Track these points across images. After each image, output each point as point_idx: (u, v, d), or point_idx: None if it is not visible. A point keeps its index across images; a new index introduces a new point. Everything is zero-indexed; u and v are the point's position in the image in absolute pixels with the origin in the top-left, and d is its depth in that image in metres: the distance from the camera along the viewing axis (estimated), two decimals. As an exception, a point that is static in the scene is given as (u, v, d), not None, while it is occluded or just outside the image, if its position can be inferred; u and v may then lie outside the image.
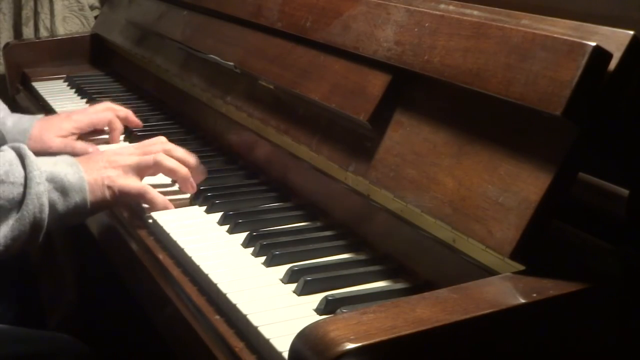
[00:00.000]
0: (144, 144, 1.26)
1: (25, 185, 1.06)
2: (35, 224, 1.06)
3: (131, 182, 1.17)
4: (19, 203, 1.05)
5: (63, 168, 1.11)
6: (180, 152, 1.25)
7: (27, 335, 1.30)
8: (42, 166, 1.09)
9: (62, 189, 1.09)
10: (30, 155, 1.09)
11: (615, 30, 0.82)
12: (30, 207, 1.05)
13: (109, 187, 1.14)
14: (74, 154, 1.38)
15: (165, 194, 1.23)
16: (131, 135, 1.57)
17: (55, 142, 1.43)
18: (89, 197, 1.12)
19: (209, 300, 0.97)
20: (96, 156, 1.21)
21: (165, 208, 1.19)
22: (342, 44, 1.14)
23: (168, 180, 1.29)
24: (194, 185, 1.24)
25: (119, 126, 1.54)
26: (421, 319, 0.72)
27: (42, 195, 1.06)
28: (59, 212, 1.09)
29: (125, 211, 1.25)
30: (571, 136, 0.81)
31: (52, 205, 1.08)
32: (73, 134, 1.49)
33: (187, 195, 1.25)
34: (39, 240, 1.09)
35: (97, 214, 1.22)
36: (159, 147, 1.23)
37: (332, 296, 0.91)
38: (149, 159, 1.21)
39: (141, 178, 1.21)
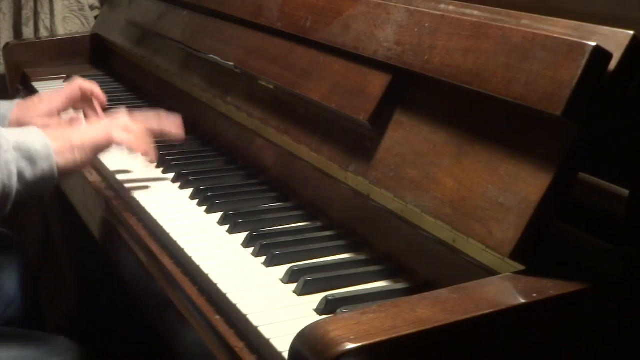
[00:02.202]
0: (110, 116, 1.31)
1: None
2: (4, 192, 1.07)
3: (97, 133, 1.21)
4: None
5: (29, 137, 1.13)
6: (144, 115, 1.30)
7: (26, 336, 1.30)
8: (9, 135, 1.10)
9: (30, 156, 1.11)
10: None
11: (615, 30, 0.82)
12: None
13: (79, 148, 1.17)
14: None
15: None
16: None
17: (37, 124, 1.43)
18: (59, 162, 1.14)
19: (209, 300, 0.97)
20: (62, 126, 1.26)
21: (140, 145, 1.24)
22: (342, 44, 1.14)
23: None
24: (155, 155, 1.29)
25: (94, 86, 1.54)
26: (421, 319, 0.72)
27: (10, 163, 1.08)
28: (28, 180, 1.11)
29: (126, 211, 1.25)
30: (571, 136, 0.81)
31: (20, 174, 1.09)
32: (51, 114, 1.48)
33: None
34: (7, 209, 1.10)
35: (68, 177, 1.26)
36: (124, 114, 1.28)
37: (332, 296, 0.91)
38: (117, 121, 1.25)
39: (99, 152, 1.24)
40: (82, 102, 1.51)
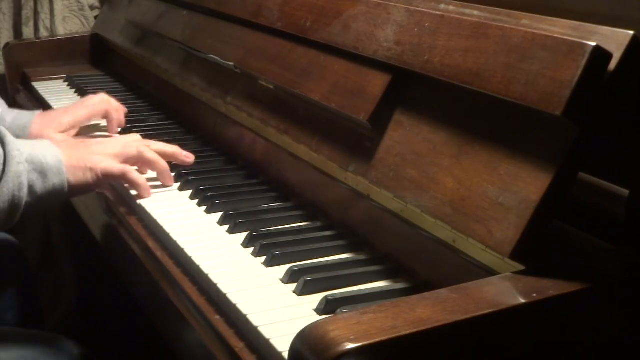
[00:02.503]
0: (124, 137, 1.31)
1: (5, 164, 1.08)
2: (14, 203, 1.08)
3: (114, 164, 1.21)
4: None
5: (42, 150, 1.14)
6: (158, 145, 1.30)
7: (26, 336, 1.30)
8: (22, 147, 1.11)
9: (41, 170, 1.12)
10: (9, 136, 1.11)
11: (615, 30, 0.82)
12: (10, 185, 1.07)
13: (92, 170, 1.17)
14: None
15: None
16: (130, 132, 1.57)
17: (57, 139, 1.43)
18: (70, 179, 1.15)
19: (209, 300, 0.97)
20: (78, 142, 1.26)
21: (146, 189, 1.24)
22: (342, 44, 1.14)
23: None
24: (172, 178, 1.30)
25: (115, 116, 1.56)
26: (421, 319, 0.72)
27: (21, 175, 1.09)
28: (38, 193, 1.11)
29: (126, 211, 1.25)
30: (571, 136, 0.81)
31: (30, 186, 1.10)
32: (72, 127, 1.49)
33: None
34: (15, 220, 1.11)
35: (79, 195, 1.26)
36: (139, 142, 1.28)
37: (332, 296, 0.91)
38: (132, 149, 1.25)
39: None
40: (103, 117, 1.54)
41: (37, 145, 1.16)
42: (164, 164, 1.28)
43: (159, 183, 1.30)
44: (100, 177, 1.19)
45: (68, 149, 1.18)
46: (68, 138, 1.46)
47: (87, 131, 1.57)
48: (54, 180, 1.13)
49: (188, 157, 1.34)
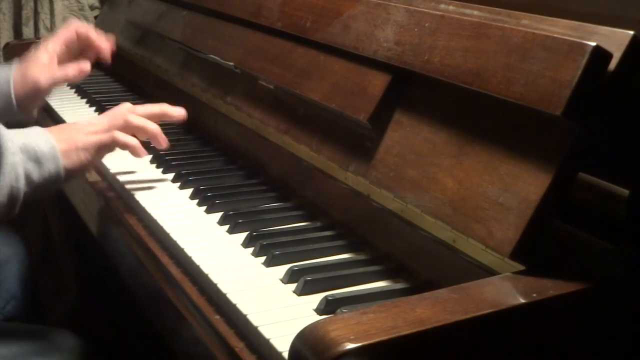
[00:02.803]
0: (111, 110, 1.30)
1: (0, 156, 1.07)
2: (12, 195, 1.08)
3: (102, 136, 1.21)
4: None
5: (34, 138, 1.14)
6: (144, 107, 1.30)
7: (27, 330, 1.30)
8: (14, 137, 1.11)
9: (36, 158, 1.12)
10: (1, 127, 1.10)
11: (615, 30, 0.82)
12: (7, 178, 1.07)
13: (84, 149, 1.18)
14: (68, 79, 1.44)
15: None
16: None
17: (43, 80, 1.42)
18: (64, 163, 1.15)
19: (209, 300, 0.97)
20: (68, 125, 1.26)
21: (140, 148, 1.24)
22: (342, 44, 1.14)
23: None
24: (165, 139, 1.29)
25: (91, 31, 1.51)
26: (421, 319, 0.72)
27: (17, 166, 1.08)
28: (35, 182, 1.11)
29: (126, 211, 1.25)
30: (571, 136, 0.81)
31: (27, 176, 1.10)
32: (52, 60, 1.45)
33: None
34: (15, 211, 1.10)
35: (75, 179, 1.27)
36: (125, 110, 1.28)
37: (332, 296, 0.91)
38: (118, 120, 1.25)
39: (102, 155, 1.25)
40: (80, 47, 1.49)
41: (30, 133, 1.15)
42: (152, 127, 1.28)
43: (158, 183, 1.30)
44: (93, 153, 1.20)
45: (58, 133, 1.18)
46: (56, 75, 1.44)
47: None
48: (50, 167, 1.13)
49: (178, 111, 1.33)
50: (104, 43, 1.52)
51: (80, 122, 1.28)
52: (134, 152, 1.25)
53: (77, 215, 1.54)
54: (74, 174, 1.21)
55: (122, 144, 1.24)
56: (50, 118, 1.77)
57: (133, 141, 1.25)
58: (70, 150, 1.17)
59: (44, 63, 1.44)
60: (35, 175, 1.12)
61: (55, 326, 1.37)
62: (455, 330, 0.72)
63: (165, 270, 1.06)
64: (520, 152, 0.85)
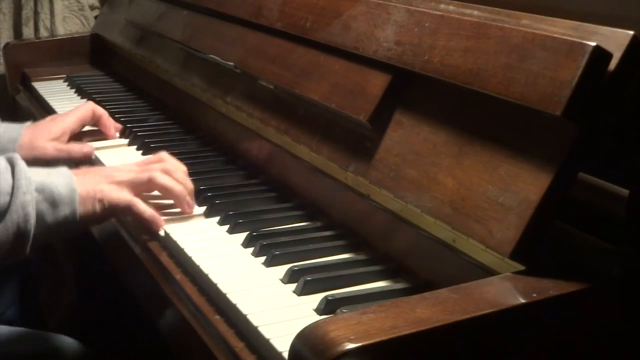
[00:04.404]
0: (144, 161, 1.23)
1: (12, 194, 1.03)
2: (19, 234, 1.04)
3: (121, 195, 1.14)
4: (3, 212, 1.03)
5: (55, 179, 1.09)
6: (180, 173, 1.21)
7: (27, 335, 1.30)
8: (33, 176, 1.07)
9: (52, 200, 1.07)
10: (20, 164, 1.07)
11: (615, 30, 0.82)
12: (14, 217, 1.03)
13: (100, 201, 1.12)
14: (71, 157, 1.38)
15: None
16: (132, 134, 1.57)
17: (49, 149, 1.41)
18: (79, 210, 1.09)
19: (209, 300, 0.97)
20: (94, 170, 1.19)
21: (154, 222, 1.14)
22: (342, 44, 1.14)
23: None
24: (191, 204, 1.20)
25: (103, 112, 1.54)
26: (421, 319, 0.72)
27: (27, 205, 1.04)
28: (48, 224, 1.07)
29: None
30: (571, 136, 0.81)
31: (40, 216, 1.05)
32: (63, 134, 1.47)
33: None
34: (26, 251, 1.06)
35: (88, 226, 1.21)
36: (158, 166, 1.20)
37: (332, 296, 0.91)
38: (144, 175, 1.17)
39: (136, 194, 1.17)
40: (93, 125, 1.52)
41: (52, 173, 1.10)
42: (178, 189, 1.18)
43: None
44: (107, 209, 1.13)
45: (81, 176, 1.13)
46: (61, 146, 1.44)
47: (86, 134, 1.56)
48: (65, 211, 1.08)
49: (189, 206, 1.21)
50: (112, 130, 1.57)
51: (107, 167, 1.24)
52: (150, 227, 1.15)
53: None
54: (89, 222, 1.14)
55: (135, 215, 1.15)
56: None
57: (148, 214, 1.14)
58: (87, 198, 1.10)
59: (56, 137, 1.44)
60: (49, 217, 1.06)
61: (55, 329, 1.37)
62: (455, 330, 0.72)
63: (165, 271, 1.06)
64: (520, 152, 0.85)
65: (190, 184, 1.21)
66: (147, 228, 1.14)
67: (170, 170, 1.19)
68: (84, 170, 1.19)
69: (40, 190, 1.06)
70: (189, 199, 1.19)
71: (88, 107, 1.54)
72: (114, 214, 1.16)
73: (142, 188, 1.18)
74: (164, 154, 1.24)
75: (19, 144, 1.39)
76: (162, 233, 1.14)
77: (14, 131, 1.43)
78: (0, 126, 1.47)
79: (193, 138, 1.56)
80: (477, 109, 0.92)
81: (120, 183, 1.15)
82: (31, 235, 1.05)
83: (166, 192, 1.19)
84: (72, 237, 1.23)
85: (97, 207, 1.12)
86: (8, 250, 1.04)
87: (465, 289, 0.78)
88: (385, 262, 1.01)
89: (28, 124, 1.47)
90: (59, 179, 1.09)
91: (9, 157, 1.08)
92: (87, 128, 1.57)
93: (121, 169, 1.20)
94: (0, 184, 1.03)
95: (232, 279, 0.98)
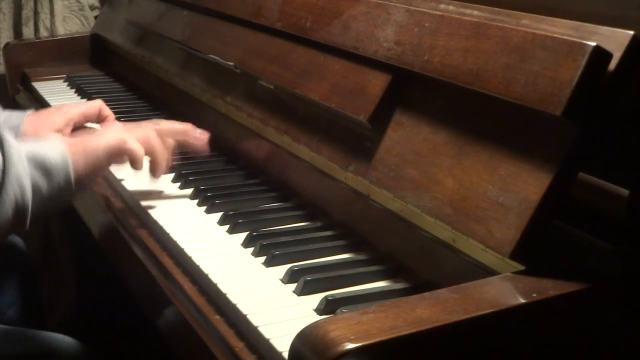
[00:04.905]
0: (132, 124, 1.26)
1: (4, 169, 1.01)
2: (18, 208, 1.02)
3: (110, 136, 1.15)
4: None
5: (46, 148, 1.07)
6: (167, 123, 1.26)
7: (27, 335, 1.30)
8: (23, 148, 1.05)
9: (44, 168, 1.05)
10: (8, 138, 1.04)
11: (615, 30, 0.82)
12: (10, 191, 1.01)
13: (91, 151, 1.12)
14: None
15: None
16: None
17: (52, 138, 1.41)
18: (76, 170, 1.08)
19: (209, 300, 0.97)
20: (84, 136, 1.20)
21: (139, 159, 1.17)
22: (342, 44, 1.14)
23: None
24: (162, 171, 1.23)
25: (110, 113, 1.54)
26: (421, 319, 0.72)
27: (22, 178, 1.02)
28: (43, 194, 1.05)
29: (126, 211, 1.25)
30: (571, 136, 0.81)
31: (35, 187, 1.04)
32: (66, 125, 1.47)
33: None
34: (26, 225, 1.04)
35: (85, 189, 1.21)
36: (147, 125, 1.23)
37: (332, 296, 0.91)
38: (136, 129, 1.20)
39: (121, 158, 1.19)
40: (97, 122, 1.50)
41: (42, 143, 1.10)
42: (161, 154, 1.21)
43: (158, 184, 1.30)
44: (100, 157, 1.13)
45: (72, 140, 1.13)
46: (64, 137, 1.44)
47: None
48: (59, 179, 1.07)
49: (202, 133, 1.27)
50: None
51: (97, 132, 1.23)
52: (135, 166, 1.18)
53: (77, 216, 1.54)
54: (86, 179, 1.13)
55: (130, 150, 1.16)
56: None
57: (140, 153, 1.17)
58: (77, 153, 1.10)
59: (60, 128, 1.42)
60: (44, 186, 1.05)
61: (55, 329, 1.37)
62: (455, 330, 0.72)
63: (165, 271, 1.06)
64: (520, 152, 0.85)
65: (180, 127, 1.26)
66: (131, 164, 1.17)
67: (159, 125, 1.23)
68: (71, 137, 1.20)
69: (31, 159, 1.04)
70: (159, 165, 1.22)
71: (96, 104, 1.53)
72: (109, 158, 1.16)
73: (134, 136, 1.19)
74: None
75: (22, 132, 1.39)
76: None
77: (16, 119, 1.42)
78: (2, 114, 1.47)
79: (193, 138, 1.56)
80: (477, 109, 0.92)
81: (107, 136, 1.16)
82: (29, 208, 1.03)
83: (150, 151, 1.20)
84: (67, 206, 1.23)
85: (89, 158, 1.12)
86: (9, 224, 1.02)
87: (465, 289, 0.78)
88: (385, 262, 1.01)
89: (29, 112, 1.47)
90: (50, 146, 1.08)
91: None
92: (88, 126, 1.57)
93: (111, 128, 1.22)
94: None
95: (232, 279, 0.98)
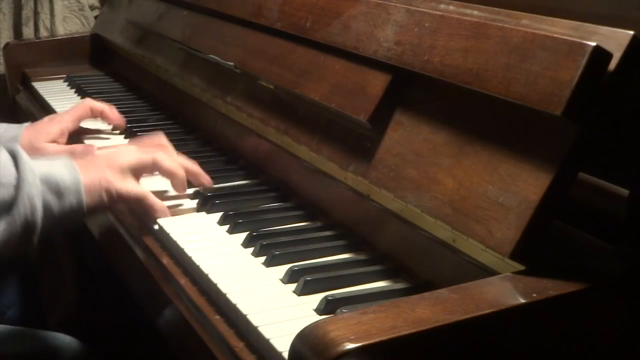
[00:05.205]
0: (143, 143, 1.25)
1: (18, 186, 1.02)
2: (27, 226, 1.03)
3: (130, 186, 1.15)
4: (10, 205, 1.02)
5: (59, 169, 1.09)
6: (181, 157, 1.24)
7: (27, 335, 1.30)
8: (37, 167, 1.06)
9: (57, 190, 1.06)
10: (23, 156, 1.06)
11: (615, 30, 0.82)
12: (21, 209, 1.02)
13: (107, 190, 1.12)
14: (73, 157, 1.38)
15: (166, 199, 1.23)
16: (132, 134, 1.57)
17: (50, 150, 1.41)
18: (85, 199, 1.09)
19: (209, 300, 0.97)
20: (94, 157, 1.19)
21: (164, 215, 1.16)
22: (342, 44, 1.14)
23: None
24: (209, 180, 1.26)
25: (103, 107, 1.55)
26: (421, 319, 0.72)
27: (34, 197, 1.03)
28: (54, 214, 1.06)
29: (126, 211, 1.25)
30: (571, 136, 0.81)
31: (46, 207, 1.05)
32: (61, 135, 1.47)
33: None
34: (33, 243, 1.05)
35: (94, 215, 1.21)
36: (157, 148, 1.23)
37: (332, 296, 0.91)
38: (147, 158, 1.19)
39: (138, 177, 1.19)
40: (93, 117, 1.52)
41: (54, 163, 1.10)
42: (181, 174, 1.22)
43: (158, 185, 1.30)
44: (115, 198, 1.13)
45: (85, 166, 1.12)
46: (63, 147, 1.44)
47: (86, 132, 1.57)
48: (71, 200, 1.07)
49: (207, 179, 1.27)
50: (118, 120, 1.58)
51: (107, 151, 1.23)
52: (157, 216, 1.17)
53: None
54: (96, 211, 1.14)
55: (147, 207, 1.17)
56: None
57: (159, 206, 1.17)
58: (92, 186, 1.10)
59: (55, 138, 1.44)
60: (55, 207, 1.06)
61: (55, 329, 1.37)
62: (455, 330, 0.72)
63: (165, 271, 1.06)
64: (520, 152, 0.85)
65: (194, 165, 1.26)
66: (151, 218, 1.16)
67: (172, 153, 1.23)
68: (85, 159, 1.18)
69: (45, 181, 1.05)
70: (203, 179, 1.26)
71: (85, 105, 1.54)
72: (122, 202, 1.17)
73: (145, 171, 1.20)
74: (160, 134, 1.27)
75: (19, 144, 1.39)
76: (156, 227, 1.14)
77: (14, 131, 1.43)
78: (0, 126, 1.47)
79: (193, 138, 1.56)
80: (477, 109, 0.92)
81: (123, 169, 1.15)
82: (39, 227, 1.04)
83: (170, 175, 1.22)
84: (77, 227, 1.24)
85: (104, 196, 1.12)
86: (16, 242, 1.03)
87: (465, 289, 0.78)
88: (385, 262, 1.01)
89: (27, 124, 1.47)
90: (63, 168, 1.09)
91: (10, 149, 1.07)
92: (87, 126, 1.58)
93: (121, 151, 1.20)
94: (5, 176, 1.02)
95: (232, 279, 0.98)
